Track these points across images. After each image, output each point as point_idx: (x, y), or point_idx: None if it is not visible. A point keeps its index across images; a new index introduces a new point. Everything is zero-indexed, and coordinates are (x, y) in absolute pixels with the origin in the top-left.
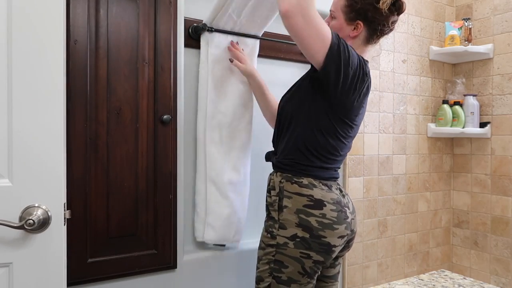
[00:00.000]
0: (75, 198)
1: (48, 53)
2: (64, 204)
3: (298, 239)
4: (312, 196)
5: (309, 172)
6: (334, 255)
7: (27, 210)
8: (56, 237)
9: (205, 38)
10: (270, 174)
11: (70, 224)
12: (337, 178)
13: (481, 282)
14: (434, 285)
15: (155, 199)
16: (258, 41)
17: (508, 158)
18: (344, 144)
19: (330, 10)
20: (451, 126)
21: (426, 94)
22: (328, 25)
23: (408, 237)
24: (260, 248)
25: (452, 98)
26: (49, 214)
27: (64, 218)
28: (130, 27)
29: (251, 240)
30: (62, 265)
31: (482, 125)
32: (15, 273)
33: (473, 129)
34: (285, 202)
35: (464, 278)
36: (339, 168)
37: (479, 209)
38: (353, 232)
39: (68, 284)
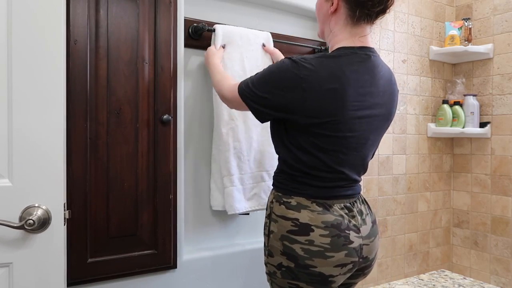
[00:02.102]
0: (75, 198)
1: (48, 53)
2: (64, 204)
3: (283, 269)
4: (297, 220)
5: (301, 191)
6: (335, 285)
7: (27, 210)
8: (56, 237)
9: (214, 35)
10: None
11: (70, 224)
12: (346, 196)
13: (481, 282)
14: (434, 285)
15: (155, 199)
16: (270, 36)
17: (508, 158)
18: (338, 159)
19: None
20: (451, 126)
21: (426, 94)
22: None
23: (408, 237)
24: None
25: (452, 98)
26: (49, 214)
27: (64, 218)
28: (130, 27)
29: (251, 240)
30: (62, 265)
31: (482, 125)
32: (15, 273)
33: (473, 129)
34: (272, 226)
35: (464, 278)
36: (352, 184)
37: (479, 209)
38: (366, 259)
39: (68, 284)
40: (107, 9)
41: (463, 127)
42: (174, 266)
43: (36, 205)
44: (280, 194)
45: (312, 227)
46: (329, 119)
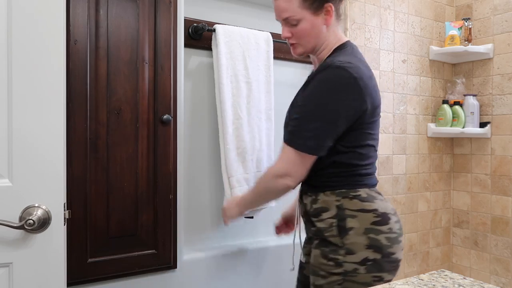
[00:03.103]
0: (75, 198)
1: (48, 53)
2: (64, 204)
3: (369, 263)
4: (377, 210)
5: (362, 181)
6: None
7: (27, 210)
8: (56, 237)
9: (215, 35)
10: (304, 197)
11: (70, 224)
12: (376, 184)
13: (481, 282)
14: (434, 285)
15: (155, 199)
16: (270, 36)
17: (508, 158)
18: (377, 140)
19: (282, 20)
20: (451, 126)
21: (426, 94)
22: (286, 36)
23: (408, 237)
24: (318, 275)
25: (452, 98)
26: (49, 214)
27: (64, 218)
28: (130, 27)
29: (251, 240)
30: (62, 265)
31: (482, 125)
32: (15, 273)
33: (473, 129)
34: (350, 223)
35: (464, 278)
36: (375, 169)
37: (479, 209)
38: None
39: (68, 284)
40: (107, 9)
41: (463, 127)
42: (174, 266)
43: (36, 205)
44: (343, 190)
45: (388, 215)
46: (375, 105)
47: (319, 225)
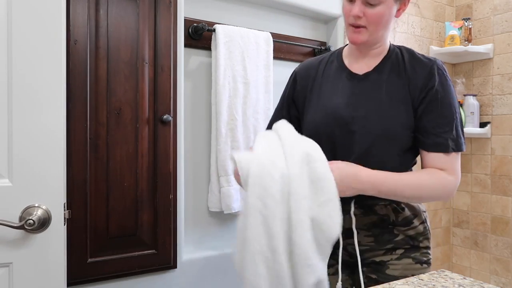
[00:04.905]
0: (75, 198)
1: (48, 53)
2: (64, 204)
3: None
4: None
5: None
6: None
7: (27, 210)
8: (56, 237)
9: (215, 35)
10: (377, 208)
11: (70, 224)
12: None
13: (481, 282)
14: (434, 285)
15: (155, 199)
16: (270, 36)
17: (508, 158)
18: None
19: None
20: None
21: None
22: (356, 15)
23: None
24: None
25: None
26: (49, 214)
27: (64, 218)
28: (130, 27)
29: None
30: (62, 265)
31: (482, 125)
32: (15, 273)
33: (473, 129)
34: (429, 223)
35: (464, 278)
36: None
37: (479, 209)
38: None
39: (68, 284)
40: (107, 9)
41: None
42: (174, 266)
43: (36, 205)
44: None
45: None
46: None
47: (410, 232)
